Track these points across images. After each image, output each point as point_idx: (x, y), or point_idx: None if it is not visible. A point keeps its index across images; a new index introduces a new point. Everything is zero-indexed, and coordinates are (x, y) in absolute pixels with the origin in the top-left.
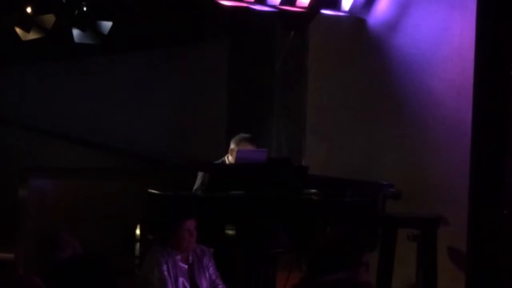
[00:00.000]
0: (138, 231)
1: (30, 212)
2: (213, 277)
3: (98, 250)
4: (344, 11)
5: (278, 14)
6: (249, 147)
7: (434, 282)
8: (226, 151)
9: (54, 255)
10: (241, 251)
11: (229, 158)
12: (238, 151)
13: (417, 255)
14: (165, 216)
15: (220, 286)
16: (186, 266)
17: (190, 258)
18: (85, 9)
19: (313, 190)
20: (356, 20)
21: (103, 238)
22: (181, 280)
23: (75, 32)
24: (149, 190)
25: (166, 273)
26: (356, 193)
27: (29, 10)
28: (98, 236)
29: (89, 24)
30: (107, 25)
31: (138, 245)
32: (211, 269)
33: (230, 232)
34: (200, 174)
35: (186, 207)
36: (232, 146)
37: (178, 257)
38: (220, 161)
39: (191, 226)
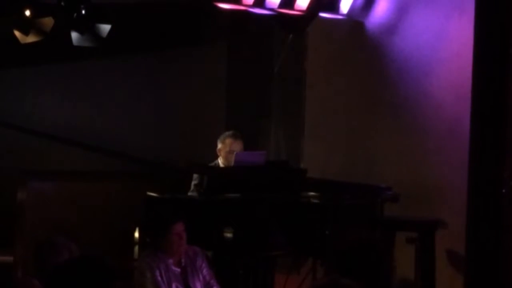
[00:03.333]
0: (136, 234)
1: (29, 215)
2: (208, 278)
3: (96, 252)
4: (343, 14)
5: (277, 17)
6: (235, 143)
7: (432, 285)
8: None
9: (52, 259)
10: (240, 254)
11: (220, 160)
12: (236, 154)
13: (415, 258)
14: (152, 223)
15: (215, 287)
16: (179, 270)
17: (183, 261)
18: (83, 12)
19: (312, 193)
20: (354, 23)
21: (102, 241)
22: (174, 284)
23: (74, 35)
24: (148, 193)
25: (159, 278)
26: (355, 196)
27: (27, 13)
28: (96, 238)
29: (87, 27)
30: (105, 28)
31: (136, 248)
32: (204, 270)
33: (229, 235)
34: (194, 176)
35: (173, 211)
36: (219, 146)
37: (170, 261)
38: (213, 164)
39: (179, 229)
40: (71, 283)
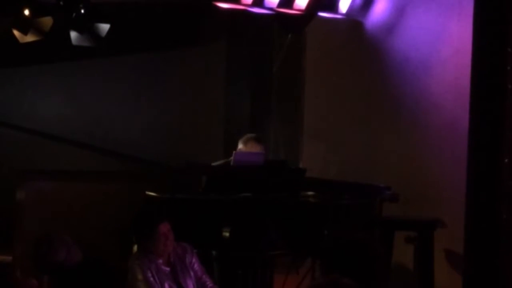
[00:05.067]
0: None
1: (28, 215)
2: (199, 273)
3: (95, 252)
4: (342, 14)
5: (276, 17)
6: (256, 146)
7: (431, 284)
8: (224, 153)
9: (49, 256)
10: (238, 254)
11: None
12: (235, 154)
13: (414, 257)
14: (138, 225)
15: (208, 283)
16: (168, 269)
17: (171, 259)
18: (82, 11)
19: (311, 193)
20: (353, 23)
21: (101, 241)
22: (166, 284)
23: (73, 34)
24: (147, 193)
25: (151, 279)
26: (354, 195)
27: (26, 12)
28: (96, 238)
29: (86, 27)
30: (104, 27)
31: (135, 247)
32: (195, 266)
33: (228, 234)
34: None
35: (156, 212)
36: (240, 146)
37: (160, 261)
38: (228, 160)
39: (165, 229)
40: (76, 284)
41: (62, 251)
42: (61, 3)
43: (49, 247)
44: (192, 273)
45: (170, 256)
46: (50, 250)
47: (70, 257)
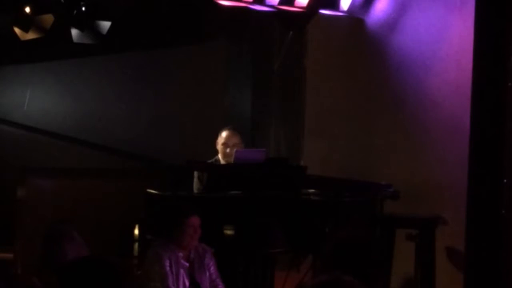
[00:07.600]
0: (136, 231)
1: (29, 212)
2: (213, 276)
3: (95, 250)
4: (343, 11)
5: (277, 14)
6: (231, 137)
7: (432, 282)
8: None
9: (59, 254)
10: (240, 251)
11: (220, 155)
12: (236, 151)
13: (415, 255)
14: (169, 213)
15: (220, 286)
16: (187, 264)
17: (191, 256)
18: (83, 9)
19: (312, 190)
20: (354, 20)
21: (102, 238)
22: (182, 277)
23: (74, 32)
24: (148, 190)
25: (168, 268)
26: (355, 193)
27: (28, 10)
28: (96, 236)
29: (87, 24)
30: (105, 25)
31: (136, 245)
32: (212, 268)
33: (229, 232)
34: (196, 174)
35: (190, 204)
36: (217, 139)
37: (181, 254)
38: (213, 159)
39: (195, 223)
40: (83, 284)
41: (73, 249)
42: (62, 0)
43: (60, 245)
44: (208, 274)
45: (191, 252)
46: (60, 247)
47: (79, 256)
